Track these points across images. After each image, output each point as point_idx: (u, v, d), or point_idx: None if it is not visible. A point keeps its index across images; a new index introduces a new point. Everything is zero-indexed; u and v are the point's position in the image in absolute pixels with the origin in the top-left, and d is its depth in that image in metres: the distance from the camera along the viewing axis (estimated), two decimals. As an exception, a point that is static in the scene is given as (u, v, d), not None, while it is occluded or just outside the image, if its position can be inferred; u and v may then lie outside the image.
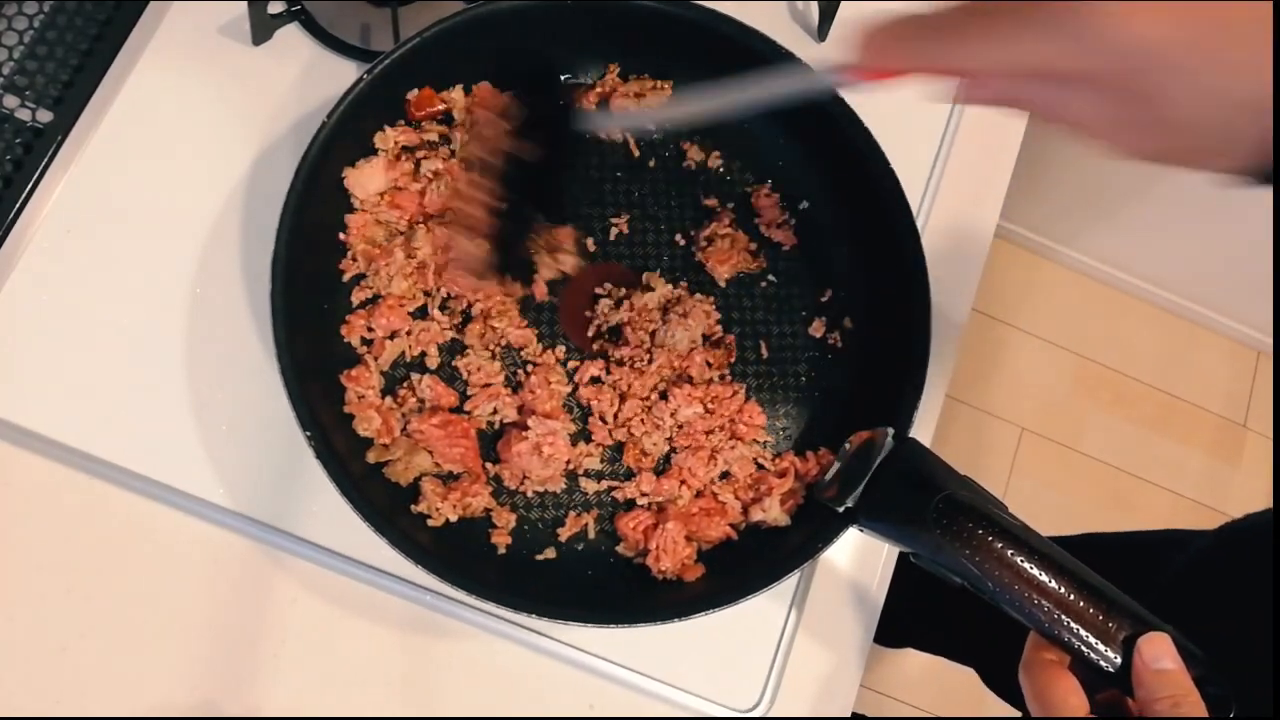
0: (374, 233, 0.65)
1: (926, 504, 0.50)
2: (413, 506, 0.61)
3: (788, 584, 0.66)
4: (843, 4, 0.75)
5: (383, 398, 0.63)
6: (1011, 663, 0.50)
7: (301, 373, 0.57)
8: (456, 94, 0.67)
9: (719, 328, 0.69)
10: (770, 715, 0.64)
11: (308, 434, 0.56)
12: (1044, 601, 0.46)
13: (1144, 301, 1.76)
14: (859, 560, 0.68)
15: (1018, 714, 0.84)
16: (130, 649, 0.61)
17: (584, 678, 0.64)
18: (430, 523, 0.61)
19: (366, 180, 0.65)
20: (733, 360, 0.68)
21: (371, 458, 0.62)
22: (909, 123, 0.76)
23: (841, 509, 0.56)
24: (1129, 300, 1.77)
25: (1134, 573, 0.52)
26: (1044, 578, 0.47)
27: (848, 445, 0.60)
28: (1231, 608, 0.73)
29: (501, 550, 0.62)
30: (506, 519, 0.62)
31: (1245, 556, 0.77)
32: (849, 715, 0.66)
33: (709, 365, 0.67)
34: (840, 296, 0.70)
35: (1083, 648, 0.46)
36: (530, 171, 0.61)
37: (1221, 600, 0.75)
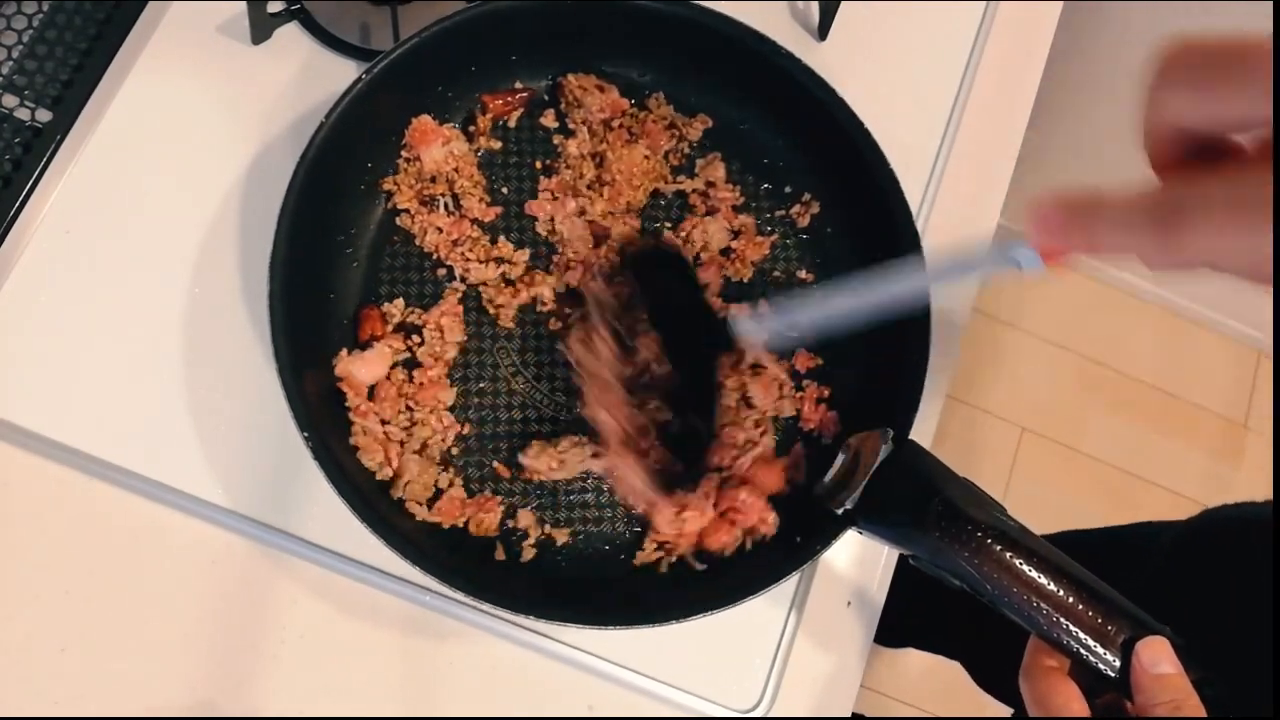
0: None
1: (925, 506, 0.50)
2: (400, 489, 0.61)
3: (787, 585, 0.66)
4: (843, 4, 0.75)
5: (383, 425, 0.62)
6: (1008, 662, 0.50)
7: (300, 373, 0.57)
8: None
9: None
10: (770, 715, 0.64)
11: (305, 434, 0.56)
12: (1042, 604, 0.46)
13: (1144, 301, 1.76)
14: (859, 561, 0.68)
15: (1011, 712, 0.84)
16: (130, 649, 0.61)
17: (584, 678, 0.64)
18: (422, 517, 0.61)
19: (361, 370, 0.61)
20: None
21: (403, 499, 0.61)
22: (909, 123, 0.76)
23: (840, 511, 0.55)
24: (1129, 300, 1.76)
25: (1114, 567, 0.52)
26: (1042, 580, 0.47)
27: (846, 447, 0.60)
28: (1211, 599, 0.73)
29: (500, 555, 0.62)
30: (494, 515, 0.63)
31: (1219, 548, 0.77)
32: (849, 715, 0.66)
33: None
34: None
35: (1082, 651, 0.46)
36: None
37: (1199, 591, 0.75)
